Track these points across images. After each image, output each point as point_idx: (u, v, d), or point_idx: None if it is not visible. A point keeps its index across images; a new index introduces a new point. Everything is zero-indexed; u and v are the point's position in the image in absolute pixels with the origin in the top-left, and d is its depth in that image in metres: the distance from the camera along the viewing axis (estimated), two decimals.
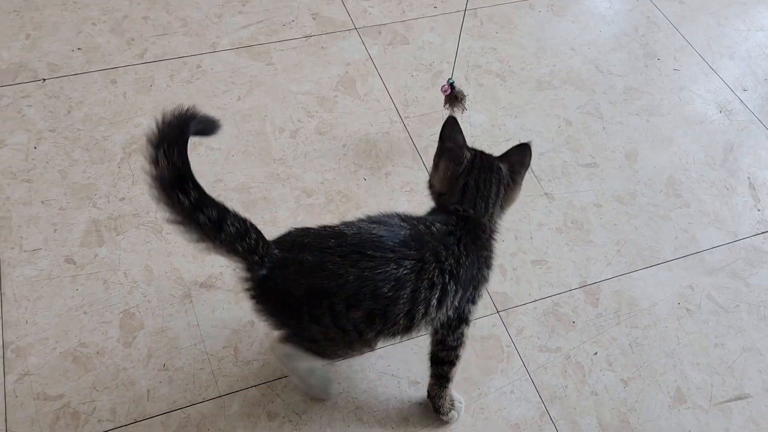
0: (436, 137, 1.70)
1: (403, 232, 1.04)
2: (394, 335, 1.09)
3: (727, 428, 1.31)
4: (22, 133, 1.60)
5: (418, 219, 1.11)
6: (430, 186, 1.21)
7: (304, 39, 1.89)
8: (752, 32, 2.08)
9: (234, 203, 1.51)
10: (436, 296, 1.05)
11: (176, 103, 1.67)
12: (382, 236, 1.03)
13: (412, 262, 1.02)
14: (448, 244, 1.06)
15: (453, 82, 1.60)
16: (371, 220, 1.10)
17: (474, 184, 1.14)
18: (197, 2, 1.94)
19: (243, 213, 1.49)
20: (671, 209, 1.63)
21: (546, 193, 1.63)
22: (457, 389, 1.31)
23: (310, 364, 1.21)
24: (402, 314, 1.03)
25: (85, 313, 1.34)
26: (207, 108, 1.69)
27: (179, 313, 1.36)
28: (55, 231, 1.45)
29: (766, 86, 1.93)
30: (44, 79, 1.71)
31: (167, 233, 1.47)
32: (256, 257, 1.02)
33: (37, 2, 1.88)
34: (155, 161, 0.98)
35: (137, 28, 1.85)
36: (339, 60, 1.85)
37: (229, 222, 1.01)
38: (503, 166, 1.17)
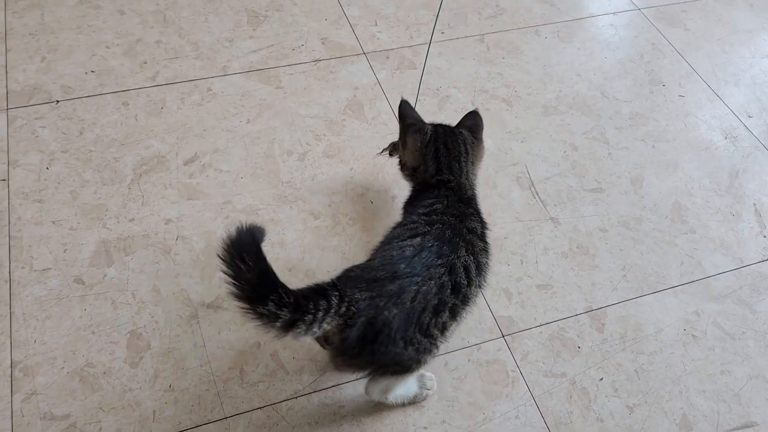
0: None
1: (433, 244, 1.12)
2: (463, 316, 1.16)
3: None
4: (35, 154, 1.62)
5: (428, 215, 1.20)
6: (403, 166, 1.37)
7: (314, 63, 1.92)
8: (757, 59, 2.09)
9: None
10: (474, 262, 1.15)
11: (186, 125, 1.70)
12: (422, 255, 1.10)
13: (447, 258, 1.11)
14: (460, 215, 1.20)
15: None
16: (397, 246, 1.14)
17: (444, 147, 1.31)
18: (209, 27, 1.97)
19: None
20: (677, 235, 1.63)
21: (552, 218, 1.64)
22: (461, 414, 1.31)
23: (400, 385, 1.22)
24: (472, 292, 1.14)
25: (93, 333, 1.35)
26: (217, 130, 1.72)
27: (186, 333, 1.37)
28: (65, 251, 1.46)
29: None
30: (58, 101, 1.74)
31: (175, 254, 1.48)
32: (347, 315, 1.01)
33: (53, 26, 1.92)
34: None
35: (150, 51, 1.89)
36: (347, 84, 1.88)
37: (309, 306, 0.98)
38: (463, 130, 1.36)
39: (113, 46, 1.89)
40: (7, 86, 1.75)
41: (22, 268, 1.43)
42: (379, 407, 1.30)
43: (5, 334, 1.33)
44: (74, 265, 1.44)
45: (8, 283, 1.40)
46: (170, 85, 1.81)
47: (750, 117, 1.93)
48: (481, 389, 1.35)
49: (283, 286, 0.97)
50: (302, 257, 1.50)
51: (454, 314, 1.12)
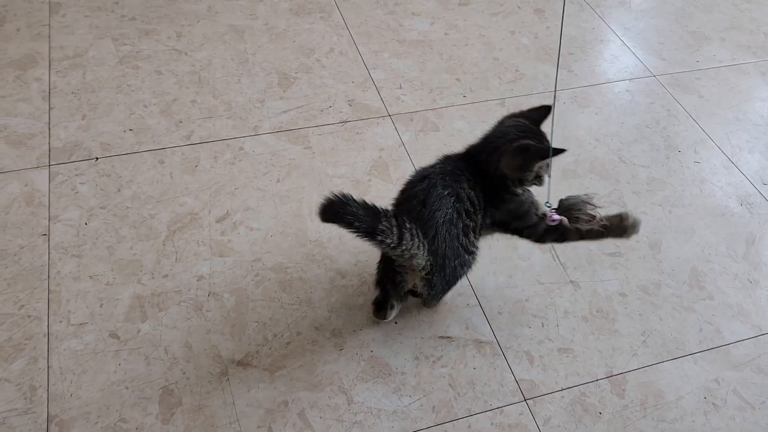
0: None
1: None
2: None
3: None
4: (75, 210, 1.69)
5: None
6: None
7: (341, 124, 2.00)
8: None
9: (272, 282, 1.59)
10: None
11: (219, 183, 1.77)
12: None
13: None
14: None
15: (550, 206, 1.51)
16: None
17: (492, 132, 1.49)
18: (241, 88, 2.06)
19: (280, 293, 1.56)
20: (695, 301, 1.67)
21: (572, 281, 1.67)
22: None
23: None
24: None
25: (127, 388, 1.39)
26: (248, 189, 1.79)
27: (216, 390, 1.41)
28: (101, 306, 1.52)
29: None
30: (97, 158, 1.82)
31: (207, 311, 1.53)
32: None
33: (94, 85, 2.01)
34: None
35: (185, 110, 1.97)
36: (373, 145, 1.95)
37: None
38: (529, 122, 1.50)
39: (150, 105, 1.98)
40: (49, 143, 1.84)
41: (60, 322, 1.48)
42: None
43: (43, 387, 1.38)
44: (110, 320, 1.49)
45: (46, 337, 1.45)
46: (204, 144, 1.89)
47: (765, 184, 1.98)
48: None
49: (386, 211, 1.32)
50: (329, 316, 1.54)
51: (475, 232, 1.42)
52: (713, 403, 1.48)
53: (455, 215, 1.36)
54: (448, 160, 1.45)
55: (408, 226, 1.30)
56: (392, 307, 1.51)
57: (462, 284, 1.64)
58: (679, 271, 1.73)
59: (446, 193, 1.35)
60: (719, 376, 1.52)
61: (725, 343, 1.58)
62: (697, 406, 1.47)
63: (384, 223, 1.27)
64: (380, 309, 1.51)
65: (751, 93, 2.27)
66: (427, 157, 1.91)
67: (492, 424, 1.41)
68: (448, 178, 1.37)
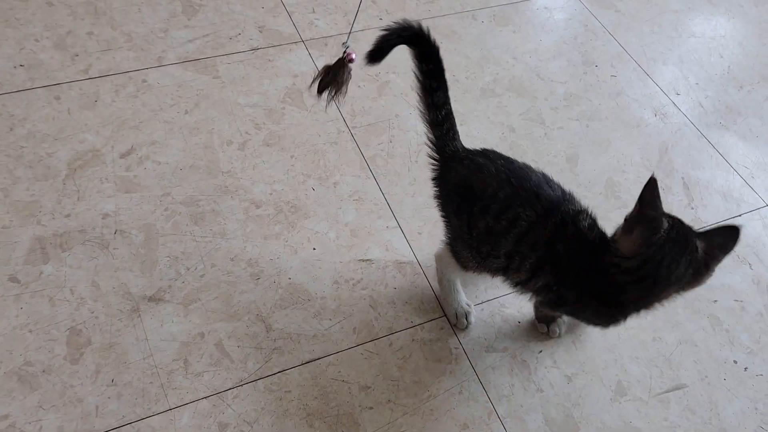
0: (384, 146, 1.74)
1: (556, 194, 1.20)
2: (496, 268, 1.26)
3: (666, 417, 1.37)
4: None
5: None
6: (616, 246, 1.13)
7: (251, 52, 1.91)
8: (684, 39, 2.17)
9: (183, 216, 1.53)
10: (530, 262, 1.19)
11: (122, 118, 1.67)
12: (531, 180, 1.21)
13: (531, 221, 1.17)
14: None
15: (348, 46, 1.27)
16: (542, 173, 1.27)
17: (667, 262, 1.07)
18: (142, 17, 1.94)
19: (192, 226, 1.50)
20: (611, 210, 1.69)
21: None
22: (407, 393, 1.34)
23: (455, 280, 1.42)
24: (503, 253, 1.21)
25: (30, 331, 1.33)
26: (153, 122, 1.70)
27: (127, 327, 1.36)
28: None
29: (698, 90, 2.02)
30: None
31: (114, 249, 1.46)
32: (442, 139, 1.29)
33: None
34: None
35: (81, 43, 1.84)
36: (286, 72, 1.87)
37: (443, 110, 1.28)
38: (700, 246, 1.08)
39: (42, 39, 1.84)
40: None
41: None
42: (324, 389, 1.32)
43: None
44: (8, 264, 1.41)
45: None
46: (103, 78, 1.77)
47: (678, 94, 2.00)
48: (425, 367, 1.38)
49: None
50: (244, 246, 1.50)
51: (488, 234, 1.25)
52: None
53: None
54: None
55: None
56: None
57: (381, 207, 1.62)
58: (596, 183, 1.75)
59: None
60: None
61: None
62: None
63: None
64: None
65: (666, 5, 2.28)
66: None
67: (413, 340, 1.42)
68: None
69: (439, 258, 1.42)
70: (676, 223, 1.10)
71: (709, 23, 2.24)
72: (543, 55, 2.05)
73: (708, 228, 1.11)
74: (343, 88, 1.25)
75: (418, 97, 1.29)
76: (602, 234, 1.19)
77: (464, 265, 1.33)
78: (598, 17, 2.19)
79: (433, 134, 1.31)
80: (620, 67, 2.05)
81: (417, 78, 1.27)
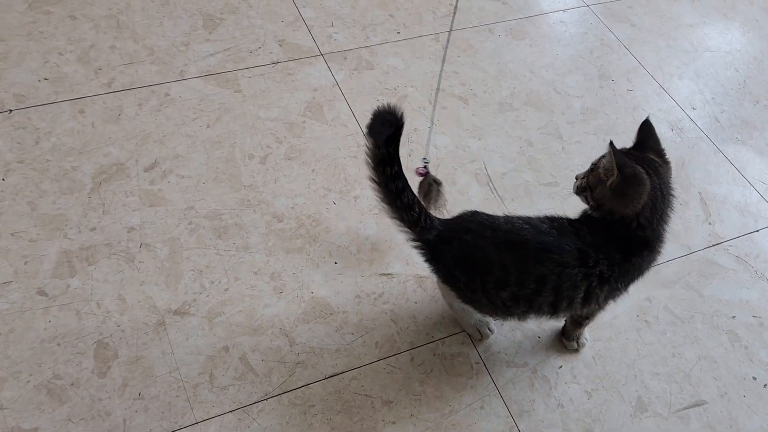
0: (403, 160, 1.75)
1: (551, 239, 1.19)
2: (541, 317, 1.28)
3: None
4: None
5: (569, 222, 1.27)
6: (600, 206, 1.26)
7: (271, 65, 1.93)
8: (699, 53, 2.19)
9: (206, 230, 1.55)
10: (580, 296, 1.22)
11: (145, 132, 1.70)
12: (529, 240, 1.20)
13: (557, 265, 1.18)
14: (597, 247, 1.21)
15: (428, 163, 1.44)
16: (525, 219, 1.26)
17: (660, 202, 1.23)
18: (164, 31, 1.96)
19: (215, 240, 1.52)
20: None
21: (509, 213, 1.68)
22: (428, 408, 1.35)
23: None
24: (546, 304, 1.23)
25: (59, 344, 1.35)
26: (176, 136, 1.72)
27: (153, 341, 1.38)
28: (25, 263, 1.45)
29: (714, 105, 2.03)
30: (11, 110, 1.71)
31: (139, 262, 1.48)
32: (418, 228, 1.26)
33: (2, 33, 1.88)
34: (377, 147, 1.23)
35: (104, 57, 1.87)
36: (306, 86, 1.89)
37: (405, 195, 1.25)
38: (655, 158, 1.27)
39: (66, 53, 1.86)
40: None
41: None
42: (347, 404, 1.34)
43: None
44: (36, 277, 1.43)
45: None
46: (127, 91, 1.80)
47: (694, 109, 2.01)
48: (446, 382, 1.39)
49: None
50: (267, 260, 1.52)
51: (515, 301, 1.25)
52: (645, 320, 1.53)
53: None
54: None
55: None
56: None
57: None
58: None
59: None
60: (651, 295, 1.57)
61: (657, 263, 1.63)
62: (630, 325, 1.52)
63: None
64: None
65: (681, 20, 2.29)
66: (362, 96, 1.88)
67: (435, 355, 1.43)
68: None
69: (442, 288, 1.42)
70: (644, 161, 1.24)
71: (724, 37, 2.25)
72: (559, 69, 2.06)
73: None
74: (441, 199, 1.47)
75: (376, 187, 1.27)
76: (603, 219, 1.26)
77: (485, 313, 1.36)
78: (613, 31, 2.21)
79: (405, 220, 1.27)
80: (636, 82, 2.06)
81: (376, 170, 1.25)
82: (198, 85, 1.84)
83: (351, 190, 1.68)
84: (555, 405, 1.39)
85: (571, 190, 1.35)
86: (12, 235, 1.49)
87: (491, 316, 1.38)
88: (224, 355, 1.37)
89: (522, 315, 1.28)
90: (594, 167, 1.28)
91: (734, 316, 1.56)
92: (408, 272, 1.55)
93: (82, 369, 1.32)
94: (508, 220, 1.26)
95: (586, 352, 1.46)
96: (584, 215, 1.31)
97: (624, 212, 1.21)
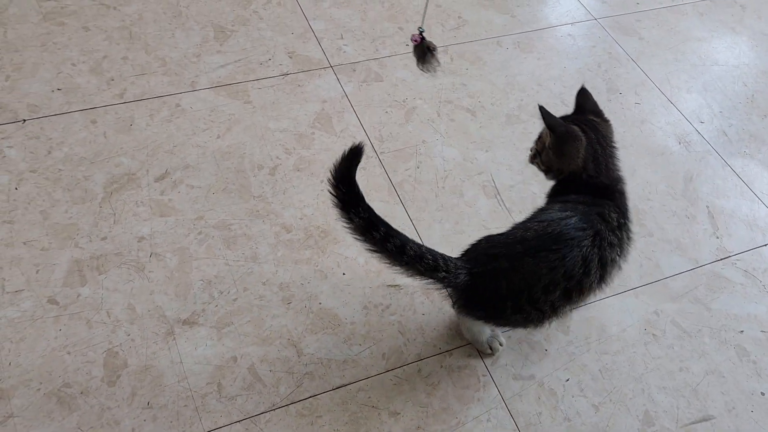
0: (411, 172, 1.77)
1: (573, 220, 1.23)
2: (592, 296, 1.30)
3: None
4: (3, 174, 1.62)
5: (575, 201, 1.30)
6: (549, 170, 1.39)
7: (281, 77, 1.95)
8: (707, 67, 2.19)
9: (215, 240, 1.56)
10: (618, 252, 1.28)
11: (156, 142, 1.71)
12: (559, 231, 1.22)
13: (590, 239, 1.22)
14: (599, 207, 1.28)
15: (423, 31, 1.47)
16: (536, 219, 1.29)
17: (600, 150, 1.35)
18: (176, 42, 1.98)
19: (224, 250, 1.53)
20: (636, 238, 1.70)
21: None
22: (435, 420, 1.35)
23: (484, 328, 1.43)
24: (596, 281, 1.26)
25: (69, 353, 1.36)
26: (187, 146, 1.74)
27: (162, 350, 1.39)
28: (37, 272, 1.46)
29: (721, 118, 2.04)
30: (24, 120, 1.73)
31: (149, 272, 1.49)
32: (441, 274, 1.20)
33: (17, 43, 1.90)
34: (350, 219, 1.21)
35: (117, 68, 1.89)
36: (315, 97, 1.91)
37: (408, 247, 1.19)
38: (595, 119, 1.38)
39: (79, 63, 1.89)
40: None
41: None
42: (354, 415, 1.34)
43: None
44: (47, 286, 1.45)
45: None
46: (138, 102, 1.82)
47: (702, 122, 2.02)
48: (453, 394, 1.40)
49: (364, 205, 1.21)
50: (276, 271, 1.53)
51: (567, 296, 1.25)
52: (653, 334, 1.53)
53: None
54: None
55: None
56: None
57: (409, 232, 1.64)
58: None
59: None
60: (659, 308, 1.57)
61: (664, 277, 1.63)
62: (638, 338, 1.52)
63: None
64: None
65: (689, 33, 2.30)
66: (371, 108, 1.90)
67: (442, 366, 1.43)
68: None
69: (465, 321, 1.42)
70: (581, 124, 1.35)
71: (732, 51, 2.26)
72: (567, 81, 2.07)
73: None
74: (433, 55, 1.48)
75: (378, 256, 1.22)
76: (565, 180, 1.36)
77: (530, 326, 1.35)
78: (621, 45, 2.22)
79: (422, 272, 1.21)
80: (644, 95, 2.07)
81: (366, 239, 1.22)
82: (209, 96, 1.86)
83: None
84: (562, 418, 1.39)
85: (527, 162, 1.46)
86: (24, 243, 1.50)
87: (535, 326, 1.33)
88: (232, 365, 1.38)
89: (573, 307, 1.33)
90: (539, 136, 1.40)
91: (742, 331, 1.56)
92: (416, 283, 1.55)
93: (92, 378, 1.33)
94: (522, 227, 1.28)
95: (593, 365, 1.46)
96: (554, 187, 1.40)
97: (569, 168, 1.32)
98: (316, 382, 1.38)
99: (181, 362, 1.37)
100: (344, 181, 1.19)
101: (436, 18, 2.20)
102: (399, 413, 1.35)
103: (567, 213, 1.25)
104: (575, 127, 1.33)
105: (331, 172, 1.19)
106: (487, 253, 1.27)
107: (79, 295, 1.44)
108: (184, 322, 1.43)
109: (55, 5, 2.04)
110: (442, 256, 1.22)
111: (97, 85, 1.84)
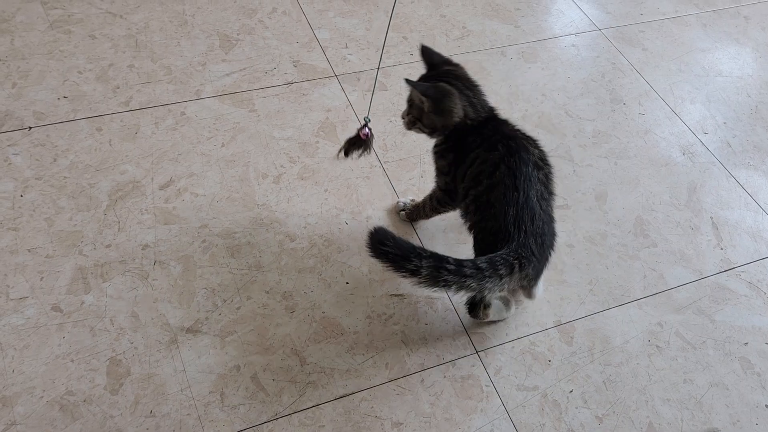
0: (415, 181, 1.77)
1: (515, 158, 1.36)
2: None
3: None
4: (9, 182, 1.62)
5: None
6: (434, 130, 1.46)
7: (286, 86, 1.95)
8: (711, 77, 2.19)
9: (219, 248, 1.56)
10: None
11: (161, 150, 1.72)
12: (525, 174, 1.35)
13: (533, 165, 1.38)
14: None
15: (369, 121, 1.47)
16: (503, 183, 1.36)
17: (471, 94, 1.45)
18: (181, 51, 1.99)
19: (228, 258, 1.53)
20: (640, 249, 1.70)
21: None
22: (438, 430, 1.35)
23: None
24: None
25: (72, 360, 1.36)
26: (192, 155, 1.74)
27: (166, 359, 1.39)
28: (41, 279, 1.47)
29: (725, 129, 2.04)
30: (30, 128, 1.74)
31: (153, 280, 1.50)
32: (516, 263, 1.28)
33: (23, 51, 1.92)
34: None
35: (122, 76, 1.90)
36: (320, 106, 1.92)
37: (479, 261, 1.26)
38: (451, 68, 1.47)
39: (85, 71, 1.90)
40: None
41: None
42: (357, 425, 1.34)
43: None
44: (51, 293, 1.45)
45: None
46: (144, 110, 1.83)
47: (705, 133, 2.02)
48: (456, 405, 1.39)
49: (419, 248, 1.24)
50: (279, 279, 1.53)
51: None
52: (657, 346, 1.52)
53: (543, 189, 1.39)
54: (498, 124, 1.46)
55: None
56: (487, 307, 1.46)
57: (413, 242, 1.64)
58: (625, 221, 1.76)
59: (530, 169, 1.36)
60: (662, 320, 1.57)
61: (668, 288, 1.63)
62: (641, 350, 1.51)
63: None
64: (473, 309, 1.47)
65: (693, 44, 2.30)
66: (375, 118, 1.90)
67: (445, 377, 1.43)
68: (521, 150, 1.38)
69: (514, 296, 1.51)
70: (442, 75, 1.43)
71: (736, 62, 2.26)
72: (571, 92, 2.08)
73: None
74: (369, 150, 1.49)
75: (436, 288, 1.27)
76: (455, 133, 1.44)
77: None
78: (625, 55, 2.22)
79: (510, 271, 1.28)
80: (648, 106, 2.07)
81: (402, 273, 1.25)
82: (214, 105, 1.87)
83: (363, 210, 1.69)
84: (565, 430, 1.38)
85: (404, 129, 1.50)
86: (29, 250, 1.51)
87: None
88: (235, 374, 1.38)
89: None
90: (411, 102, 1.45)
91: (746, 343, 1.55)
92: (419, 293, 1.55)
93: (95, 385, 1.33)
94: (509, 196, 1.35)
95: (597, 377, 1.46)
96: (444, 143, 1.47)
97: (453, 121, 1.40)
98: (319, 391, 1.38)
99: (184, 371, 1.37)
100: (384, 238, 1.21)
101: (440, 28, 2.21)
102: (402, 423, 1.35)
103: (513, 160, 1.35)
104: (443, 84, 1.40)
105: (367, 246, 1.22)
106: (516, 226, 1.32)
107: (82, 303, 1.44)
108: (188, 331, 1.43)
109: (62, 13, 2.05)
110: (497, 256, 1.28)
111: (103, 93, 1.85)
